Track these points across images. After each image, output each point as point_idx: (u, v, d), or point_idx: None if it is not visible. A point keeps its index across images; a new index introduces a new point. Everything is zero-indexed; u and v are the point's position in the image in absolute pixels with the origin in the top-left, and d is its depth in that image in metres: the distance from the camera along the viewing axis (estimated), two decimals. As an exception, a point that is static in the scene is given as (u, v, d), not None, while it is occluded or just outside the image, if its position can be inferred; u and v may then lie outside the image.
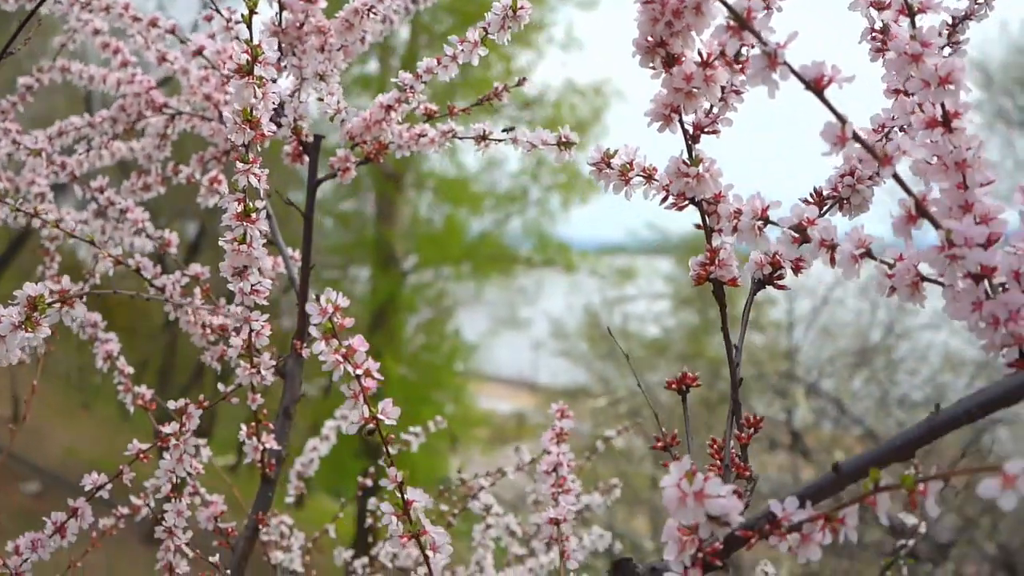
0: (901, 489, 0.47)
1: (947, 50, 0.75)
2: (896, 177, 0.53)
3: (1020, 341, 0.52)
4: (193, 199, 1.27)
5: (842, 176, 0.72)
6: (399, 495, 0.67)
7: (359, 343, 0.65)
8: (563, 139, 0.86)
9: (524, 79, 1.03)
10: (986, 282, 0.54)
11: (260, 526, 1.02)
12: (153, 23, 1.10)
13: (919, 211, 0.53)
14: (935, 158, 0.56)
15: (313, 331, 0.63)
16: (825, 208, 0.72)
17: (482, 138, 0.98)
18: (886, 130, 0.73)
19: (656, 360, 9.03)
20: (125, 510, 1.10)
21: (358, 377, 0.64)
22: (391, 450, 0.67)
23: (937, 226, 0.53)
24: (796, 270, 0.71)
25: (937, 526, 5.93)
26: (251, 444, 0.99)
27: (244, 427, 0.99)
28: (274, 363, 0.93)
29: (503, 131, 0.94)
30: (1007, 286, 0.53)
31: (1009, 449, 5.80)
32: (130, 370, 1.13)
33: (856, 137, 0.52)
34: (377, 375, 0.65)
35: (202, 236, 8.48)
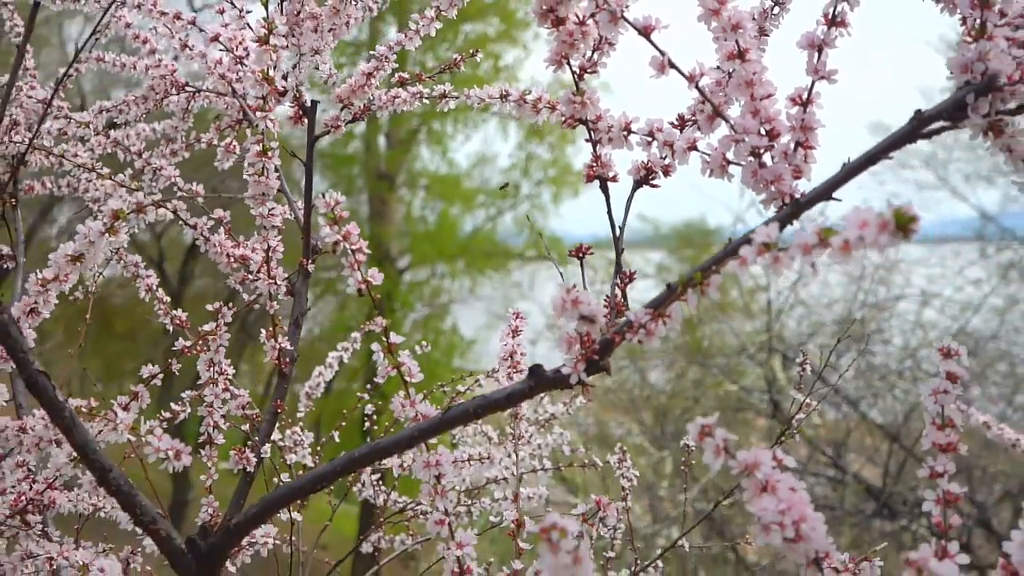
0: (696, 284, 0.74)
1: (776, 8, 1.02)
2: (699, 90, 0.80)
3: (782, 196, 0.79)
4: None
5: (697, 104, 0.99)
6: (385, 338, 0.94)
7: (354, 228, 0.91)
8: (503, 92, 1.13)
9: (476, 51, 1.30)
10: (768, 158, 0.82)
11: (279, 411, 1.29)
12: (177, 16, 1.36)
13: (715, 112, 0.80)
14: (733, 79, 0.83)
15: (321, 219, 0.90)
16: (686, 128, 0.99)
17: (443, 96, 1.25)
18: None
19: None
20: (177, 408, 1.37)
21: (354, 251, 0.91)
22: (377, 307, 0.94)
23: (727, 121, 0.80)
24: (665, 173, 0.98)
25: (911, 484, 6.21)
26: (270, 344, 1.25)
27: (264, 331, 1.26)
28: (287, 275, 1.20)
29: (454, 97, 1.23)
30: (777, 160, 0.80)
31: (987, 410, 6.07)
32: (167, 299, 1.40)
33: (671, 64, 0.79)
34: (366, 250, 0.91)
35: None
